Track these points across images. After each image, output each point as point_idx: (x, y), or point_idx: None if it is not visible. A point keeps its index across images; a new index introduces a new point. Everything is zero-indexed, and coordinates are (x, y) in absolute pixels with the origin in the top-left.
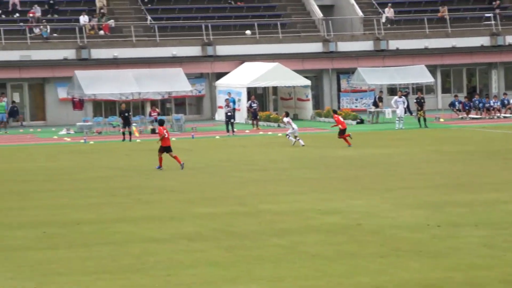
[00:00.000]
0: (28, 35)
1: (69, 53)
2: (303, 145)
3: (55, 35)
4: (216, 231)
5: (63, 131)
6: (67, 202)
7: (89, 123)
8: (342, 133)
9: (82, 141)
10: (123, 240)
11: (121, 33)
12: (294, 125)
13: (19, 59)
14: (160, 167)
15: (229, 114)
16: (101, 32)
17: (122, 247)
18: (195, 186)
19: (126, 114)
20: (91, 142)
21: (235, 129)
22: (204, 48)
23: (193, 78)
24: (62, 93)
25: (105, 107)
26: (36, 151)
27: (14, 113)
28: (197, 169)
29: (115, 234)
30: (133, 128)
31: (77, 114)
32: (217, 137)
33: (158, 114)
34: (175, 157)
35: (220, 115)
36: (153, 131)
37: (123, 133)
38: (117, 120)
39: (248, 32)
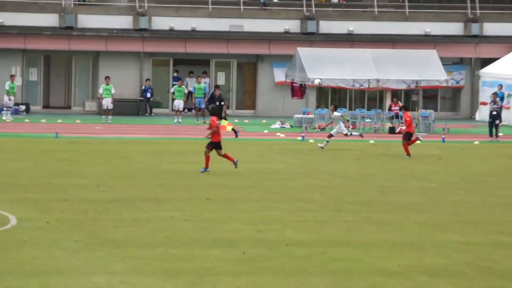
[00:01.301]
0: (242, 0)
1: (292, 25)
2: (321, 147)
3: (275, 1)
4: (467, 265)
5: (277, 125)
6: (277, 215)
7: (310, 116)
8: (408, 137)
9: (300, 138)
10: (346, 270)
11: (360, 2)
12: (342, 125)
13: (228, 30)
14: (206, 169)
15: (494, 113)
16: (335, 0)
17: (344, 279)
18: (444, 205)
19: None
20: (311, 141)
21: (499, 133)
22: (468, 26)
23: (449, 64)
24: (279, 75)
25: (332, 96)
26: (241, 148)
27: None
28: (447, 183)
29: (336, 261)
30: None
31: (296, 104)
32: (476, 142)
33: (400, 109)
34: (225, 155)
35: (482, 114)
36: (391, 130)
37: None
38: (346, 113)
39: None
